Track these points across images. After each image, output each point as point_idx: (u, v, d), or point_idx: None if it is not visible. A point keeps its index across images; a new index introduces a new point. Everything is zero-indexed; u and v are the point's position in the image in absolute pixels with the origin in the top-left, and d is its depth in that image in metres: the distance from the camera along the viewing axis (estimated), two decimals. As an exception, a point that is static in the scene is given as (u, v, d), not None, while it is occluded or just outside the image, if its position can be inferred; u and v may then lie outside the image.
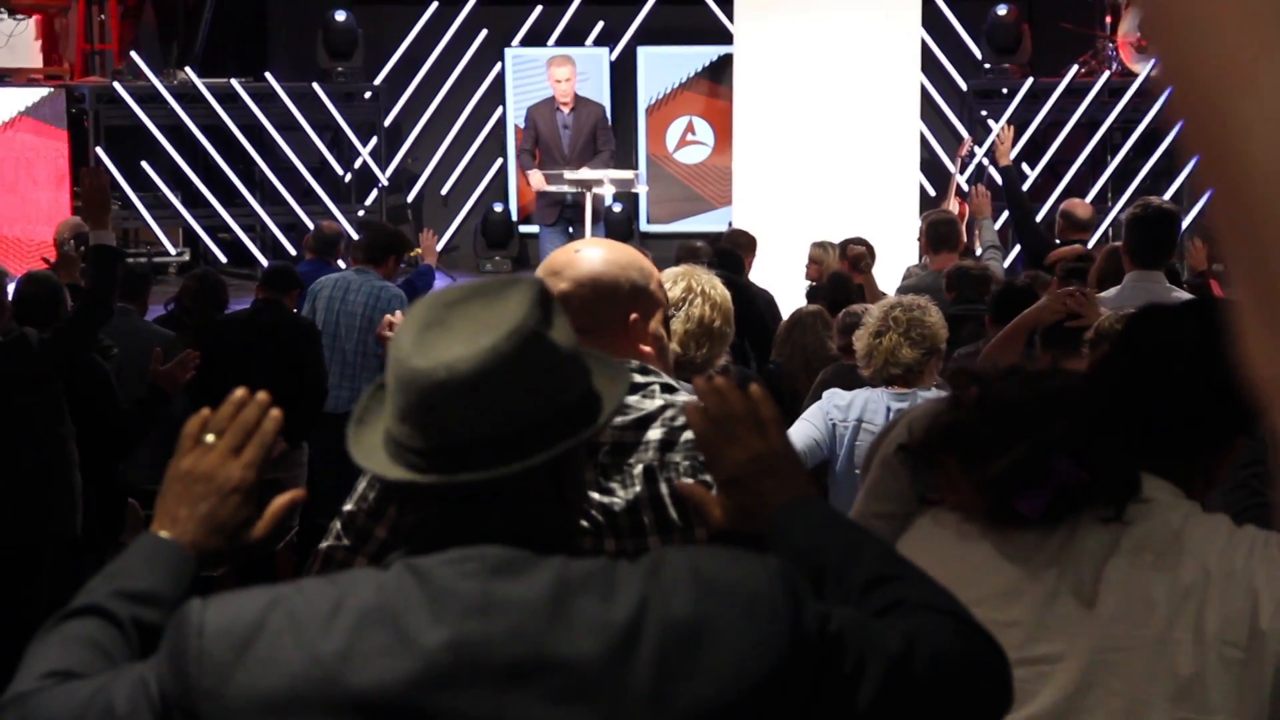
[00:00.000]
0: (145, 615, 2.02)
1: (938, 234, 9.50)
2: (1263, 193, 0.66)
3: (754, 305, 8.66)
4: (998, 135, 11.28)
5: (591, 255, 2.92)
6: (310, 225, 14.41)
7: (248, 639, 1.83)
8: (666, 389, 2.87)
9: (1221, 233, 0.69)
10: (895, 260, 11.17)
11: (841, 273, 9.37)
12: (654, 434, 2.78)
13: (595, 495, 2.75)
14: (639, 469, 2.75)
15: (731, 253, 9.71)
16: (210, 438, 2.20)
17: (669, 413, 2.78)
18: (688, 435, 2.74)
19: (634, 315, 2.92)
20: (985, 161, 15.07)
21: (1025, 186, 15.03)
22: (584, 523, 2.74)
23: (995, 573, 2.43)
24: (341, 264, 10.14)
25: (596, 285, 2.89)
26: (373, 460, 1.98)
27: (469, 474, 1.90)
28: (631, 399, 2.80)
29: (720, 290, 4.81)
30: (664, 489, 2.73)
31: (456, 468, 1.91)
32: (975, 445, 2.43)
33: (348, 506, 2.89)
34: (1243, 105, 0.66)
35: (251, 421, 2.22)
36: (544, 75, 14.43)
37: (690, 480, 2.65)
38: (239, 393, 2.25)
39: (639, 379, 2.83)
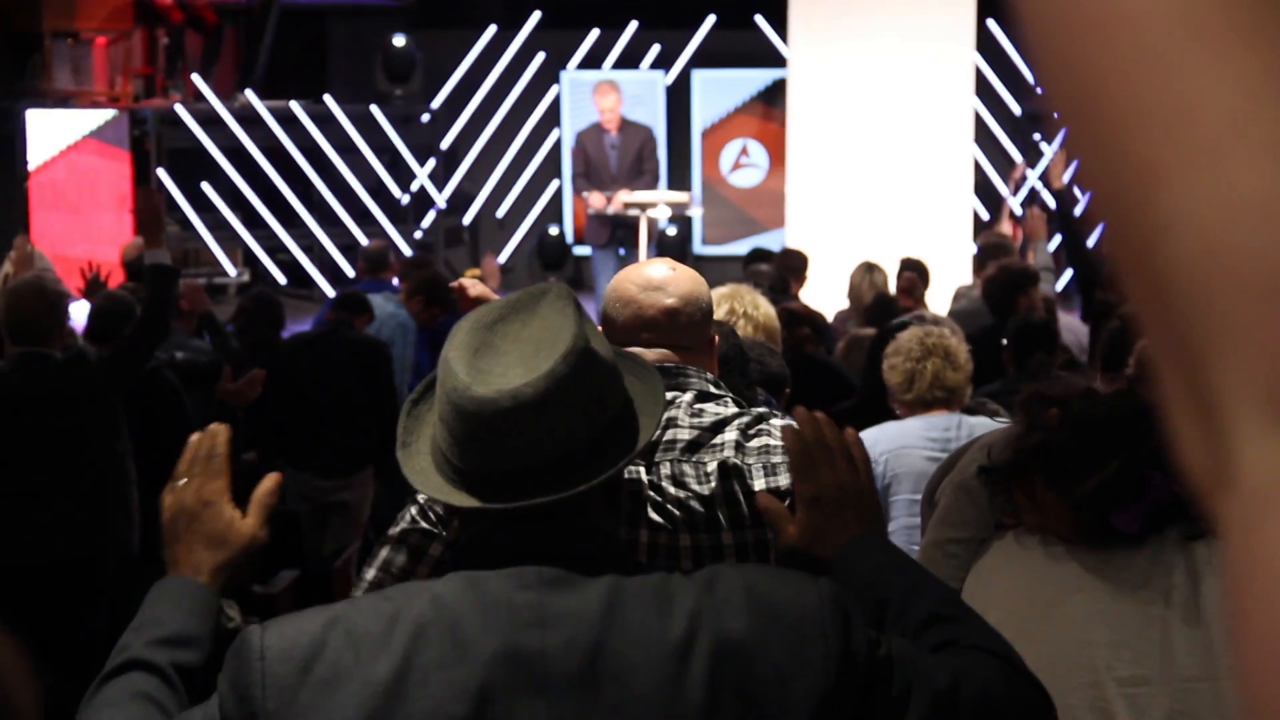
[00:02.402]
0: (183, 658, 2.06)
1: (986, 257, 9.51)
2: (1184, 292, 0.66)
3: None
4: (1052, 158, 11.27)
5: (684, 273, 3.01)
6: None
7: (309, 660, 1.85)
8: (737, 403, 2.94)
9: (1145, 328, 0.70)
10: (948, 283, 11.18)
11: (888, 296, 9.37)
12: (729, 435, 2.84)
13: (672, 490, 2.80)
14: (714, 466, 2.81)
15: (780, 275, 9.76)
16: (182, 481, 2.28)
17: (744, 419, 2.87)
18: (760, 441, 2.83)
19: (715, 334, 3.05)
20: (1038, 184, 15.04)
21: (1077, 211, 15.00)
22: (660, 518, 2.79)
23: (1084, 592, 2.41)
24: (396, 280, 10.20)
25: (700, 305, 3.00)
26: (430, 485, 2.00)
27: (538, 497, 1.92)
28: (708, 406, 2.88)
29: (765, 310, 4.81)
30: (738, 486, 2.79)
31: (522, 491, 1.93)
32: (1066, 464, 2.43)
33: (423, 496, 2.88)
34: (1158, 205, 0.67)
35: (204, 448, 2.28)
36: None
37: (764, 489, 2.75)
38: (193, 437, 2.30)
39: (715, 390, 2.92)
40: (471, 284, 4.10)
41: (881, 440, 5.19)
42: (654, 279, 2.96)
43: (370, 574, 2.88)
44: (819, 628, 1.88)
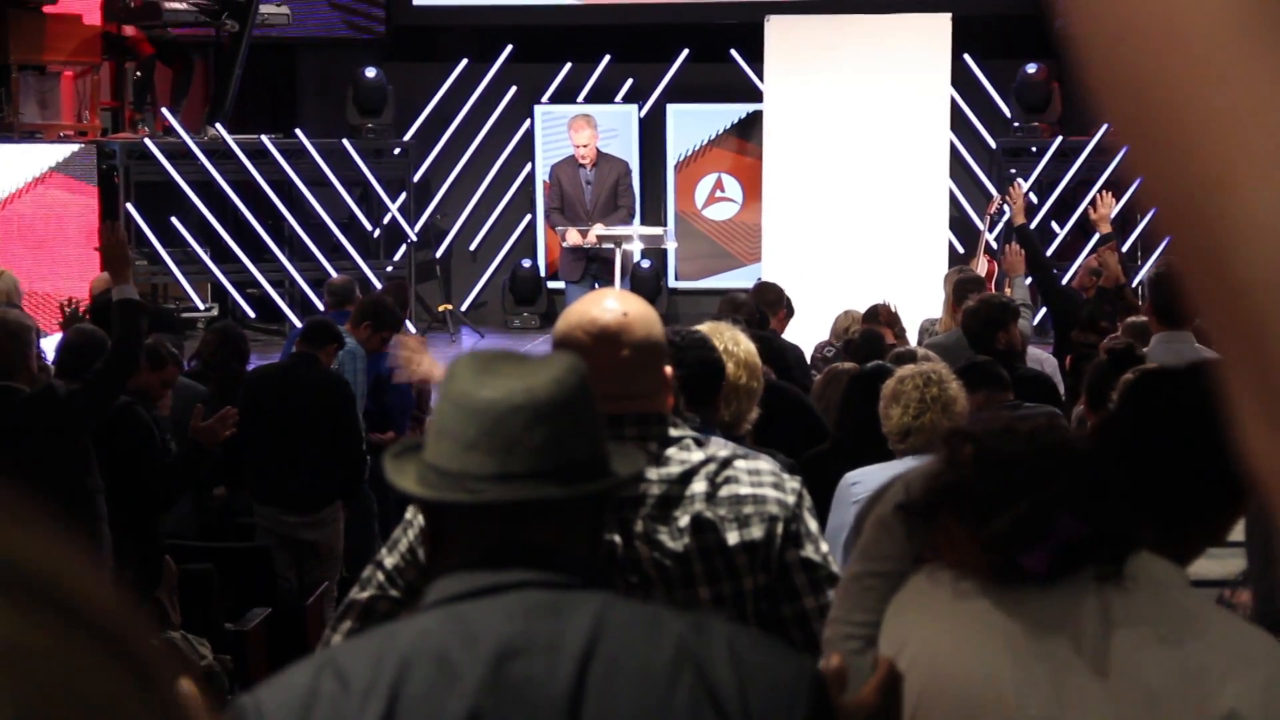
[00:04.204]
0: None
1: (964, 295, 9.39)
2: (1259, 297, 0.67)
3: (784, 359, 8.59)
4: (1009, 195, 11.27)
5: (637, 314, 2.86)
6: (339, 281, 14.44)
7: (306, 708, 1.85)
8: (698, 442, 2.89)
9: (1214, 331, 0.70)
10: (921, 319, 11.15)
11: (874, 330, 9.28)
12: (698, 486, 2.80)
13: (644, 548, 2.76)
14: (686, 521, 2.78)
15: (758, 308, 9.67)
16: None
17: (710, 466, 2.81)
18: (730, 490, 2.80)
19: (669, 369, 2.93)
20: (1007, 213, 15.05)
21: (1055, 245, 15.00)
22: (634, 578, 2.76)
23: (995, 630, 2.43)
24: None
25: (654, 348, 2.86)
26: (435, 493, 2.00)
27: (555, 493, 1.96)
28: (672, 452, 2.82)
29: (745, 346, 4.79)
30: (712, 540, 2.76)
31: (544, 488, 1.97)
32: (976, 503, 2.43)
33: (390, 560, 2.88)
34: (1228, 214, 0.67)
35: None
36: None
37: (738, 542, 2.76)
38: None
39: (673, 432, 2.85)
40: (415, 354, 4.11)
41: (864, 482, 5.15)
42: (608, 327, 2.79)
43: (335, 640, 2.82)
44: (790, 699, 1.91)
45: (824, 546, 2.91)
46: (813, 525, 2.89)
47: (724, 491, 2.80)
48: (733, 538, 2.78)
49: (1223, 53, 0.67)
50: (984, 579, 2.44)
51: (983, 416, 2.80)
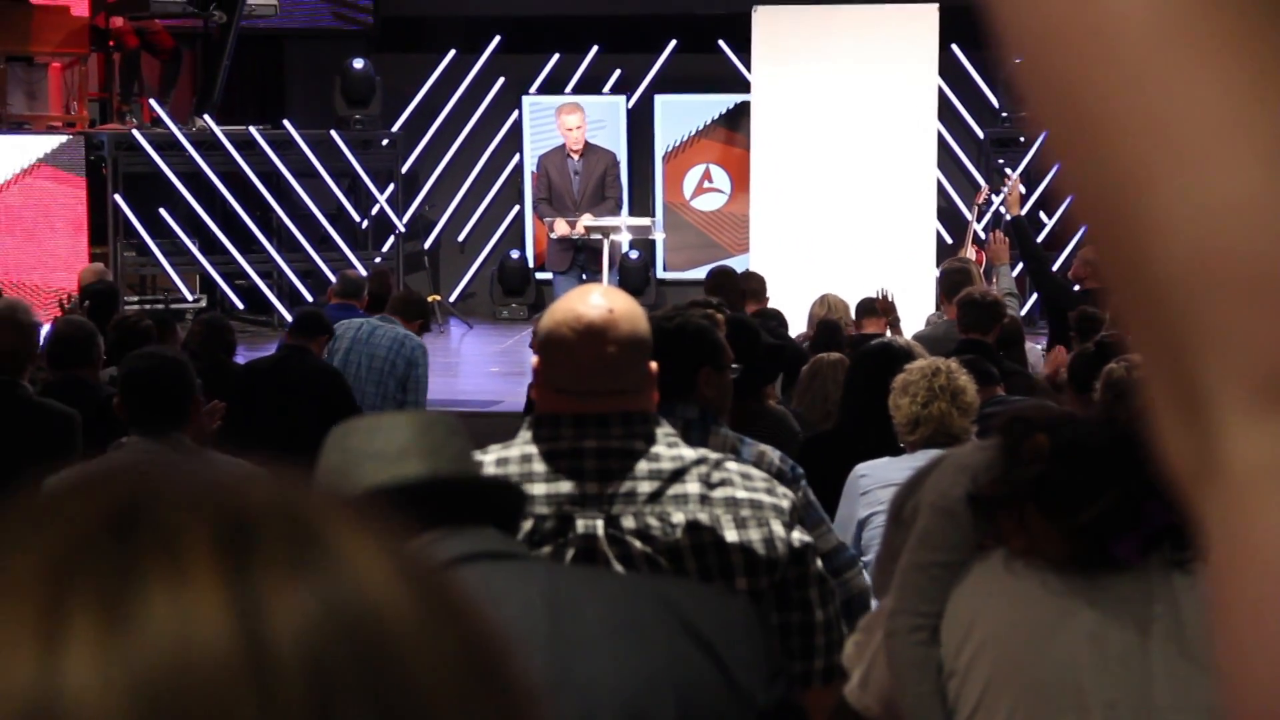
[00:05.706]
0: None
1: (950, 283, 9.43)
2: (1172, 293, 0.68)
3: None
4: (1009, 188, 11.26)
5: (623, 311, 2.87)
6: (327, 272, 14.45)
7: None
8: (686, 439, 2.92)
9: (1129, 326, 0.71)
10: (911, 308, 11.13)
11: (831, 321, 9.24)
12: (692, 487, 2.81)
13: (638, 544, 2.77)
14: (679, 517, 2.78)
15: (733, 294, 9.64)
16: None
17: (702, 468, 2.82)
18: (725, 492, 2.81)
19: (654, 365, 2.93)
20: (1002, 209, 15.06)
21: (1042, 235, 14.99)
22: (623, 569, 2.78)
23: (1073, 615, 2.46)
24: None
25: (640, 345, 2.87)
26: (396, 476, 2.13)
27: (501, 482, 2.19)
28: (663, 449, 2.82)
29: None
30: (707, 539, 2.77)
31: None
32: (1059, 494, 2.46)
33: None
34: (1145, 211, 0.68)
35: None
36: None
37: (736, 541, 2.78)
38: None
39: (661, 431, 2.87)
40: None
41: (871, 475, 5.21)
42: (594, 323, 2.80)
43: None
44: (745, 628, 2.01)
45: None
46: (810, 537, 2.90)
47: (719, 493, 2.81)
48: (730, 536, 2.79)
49: (1148, 50, 0.68)
50: (1061, 566, 2.47)
51: (1039, 407, 2.83)
